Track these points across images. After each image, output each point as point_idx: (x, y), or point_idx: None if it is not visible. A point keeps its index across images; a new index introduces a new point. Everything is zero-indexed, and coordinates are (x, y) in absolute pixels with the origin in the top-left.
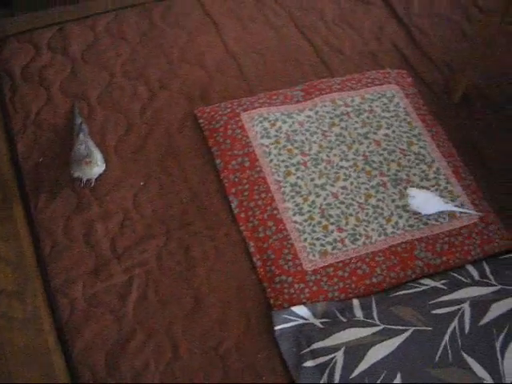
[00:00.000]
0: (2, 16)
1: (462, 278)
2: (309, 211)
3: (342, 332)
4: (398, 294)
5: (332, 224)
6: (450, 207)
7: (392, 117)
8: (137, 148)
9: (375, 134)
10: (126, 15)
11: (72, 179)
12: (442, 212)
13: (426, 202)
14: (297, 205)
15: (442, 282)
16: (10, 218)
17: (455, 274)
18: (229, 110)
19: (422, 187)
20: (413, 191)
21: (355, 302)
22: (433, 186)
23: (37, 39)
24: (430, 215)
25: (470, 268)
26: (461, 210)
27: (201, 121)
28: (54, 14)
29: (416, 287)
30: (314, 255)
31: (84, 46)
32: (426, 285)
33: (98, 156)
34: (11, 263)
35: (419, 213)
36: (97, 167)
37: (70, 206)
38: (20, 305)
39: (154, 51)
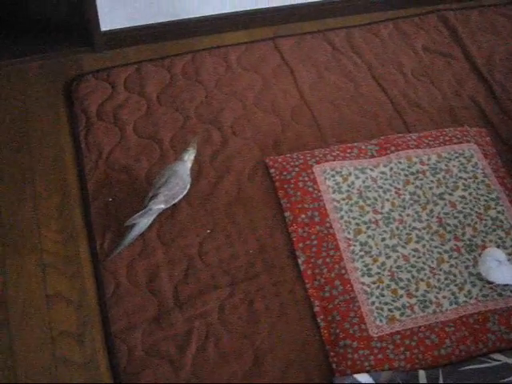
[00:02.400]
0: (83, 53)
1: None
2: (378, 273)
3: None
4: (467, 368)
5: (402, 288)
6: None
7: (469, 178)
8: (206, 194)
9: (451, 195)
10: (203, 57)
11: None
12: None
13: (498, 269)
14: (366, 265)
15: None
16: (75, 256)
17: None
18: (301, 162)
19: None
20: (490, 253)
21: (421, 373)
22: (510, 255)
23: (114, 78)
24: (504, 286)
25: None
26: None
27: (272, 170)
28: (132, 53)
29: (487, 362)
30: (381, 320)
31: (160, 87)
32: (498, 360)
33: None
34: (73, 303)
35: (492, 282)
36: None
37: (135, 249)
38: (79, 348)
39: (228, 95)
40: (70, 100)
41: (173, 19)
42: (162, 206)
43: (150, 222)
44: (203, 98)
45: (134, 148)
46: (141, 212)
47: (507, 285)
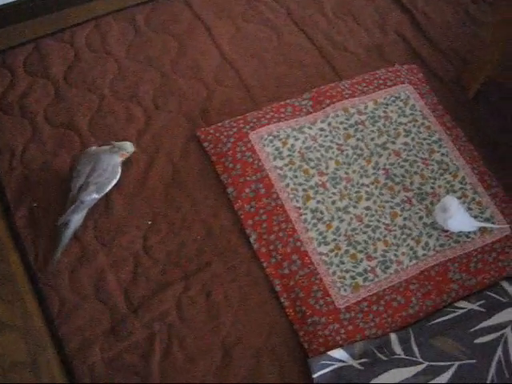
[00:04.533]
0: None
1: (500, 298)
2: (334, 239)
3: (383, 375)
4: (435, 321)
5: (360, 252)
6: (477, 224)
7: (409, 122)
8: (139, 182)
9: (394, 143)
10: (107, 23)
11: None
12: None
13: (453, 217)
14: (320, 233)
15: (479, 303)
16: (9, 276)
17: (492, 294)
18: (235, 130)
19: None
20: (445, 201)
21: (393, 336)
22: (460, 198)
23: (11, 61)
24: (459, 232)
25: (506, 285)
26: (489, 225)
27: (205, 144)
28: (27, 29)
29: (453, 312)
30: (345, 290)
31: (65, 65)
32: (463, 308)
33: None
34: (18, 329)
35: (447, 230)
36: None
37: (73, 256)
38: (34, 377)
39: (143, 64)
40: None
41: None
42: (95, 196)
43: (83, 216)
44: (116, 72)
45: (50, 141)
46: (73, 207)
47: (461, 231)
